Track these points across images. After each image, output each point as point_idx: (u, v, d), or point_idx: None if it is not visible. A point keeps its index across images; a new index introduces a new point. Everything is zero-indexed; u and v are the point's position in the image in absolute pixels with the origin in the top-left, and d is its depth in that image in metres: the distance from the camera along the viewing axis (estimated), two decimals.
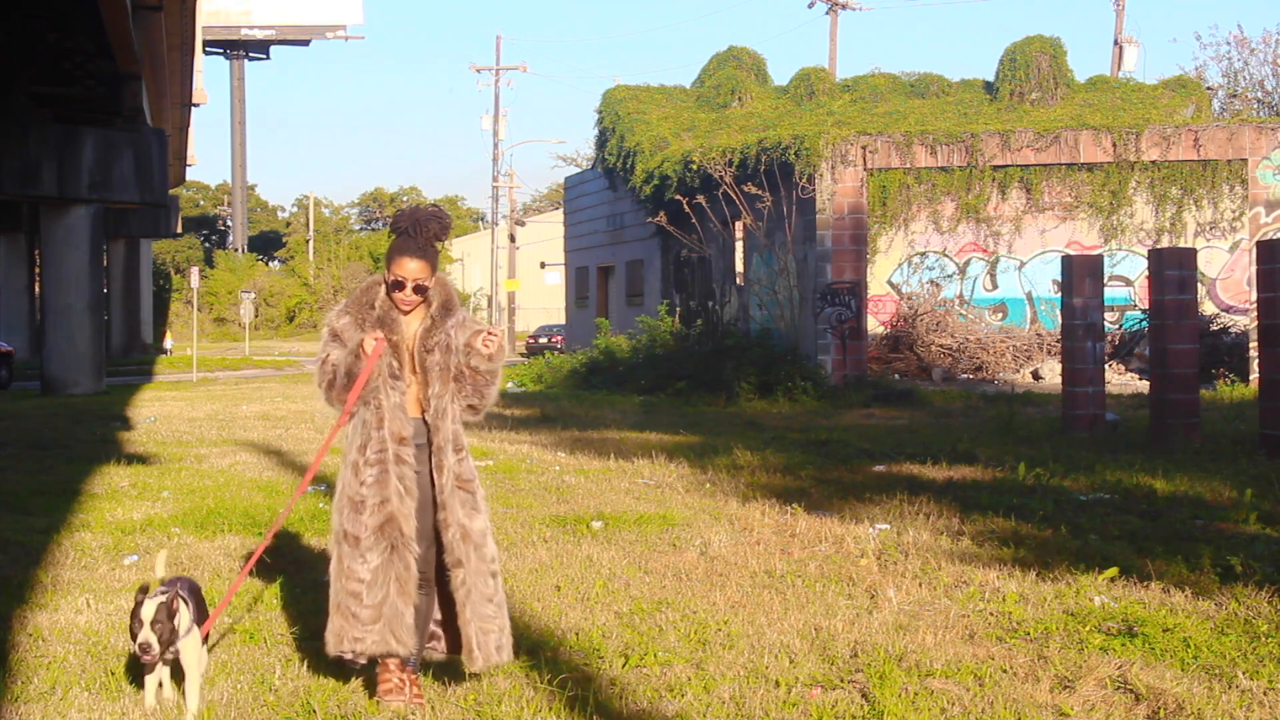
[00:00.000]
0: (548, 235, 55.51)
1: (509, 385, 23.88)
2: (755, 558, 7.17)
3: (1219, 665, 5.00)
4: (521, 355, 42.93)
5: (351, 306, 4.62)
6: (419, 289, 4.57)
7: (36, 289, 38.67)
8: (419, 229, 4.54)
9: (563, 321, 42.14)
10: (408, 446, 4.53)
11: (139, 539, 7.96)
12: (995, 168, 22.65)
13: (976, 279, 23.26)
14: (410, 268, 4.54)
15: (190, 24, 25.86)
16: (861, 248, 21.61)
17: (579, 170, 46.23)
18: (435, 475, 4.58)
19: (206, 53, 52.62)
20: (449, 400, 4.60)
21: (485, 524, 4.65)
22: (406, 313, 4.61)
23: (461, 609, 4.55)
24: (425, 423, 4.61)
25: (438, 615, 4.76)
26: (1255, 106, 35.88)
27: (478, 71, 55.97)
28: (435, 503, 4.59)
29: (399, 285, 4.55)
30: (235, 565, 7.15)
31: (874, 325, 22.75)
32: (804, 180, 21.37)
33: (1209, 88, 33.51)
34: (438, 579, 4.66)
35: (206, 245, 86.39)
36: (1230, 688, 4.72)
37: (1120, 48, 38.45)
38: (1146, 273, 16.60)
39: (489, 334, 4.58)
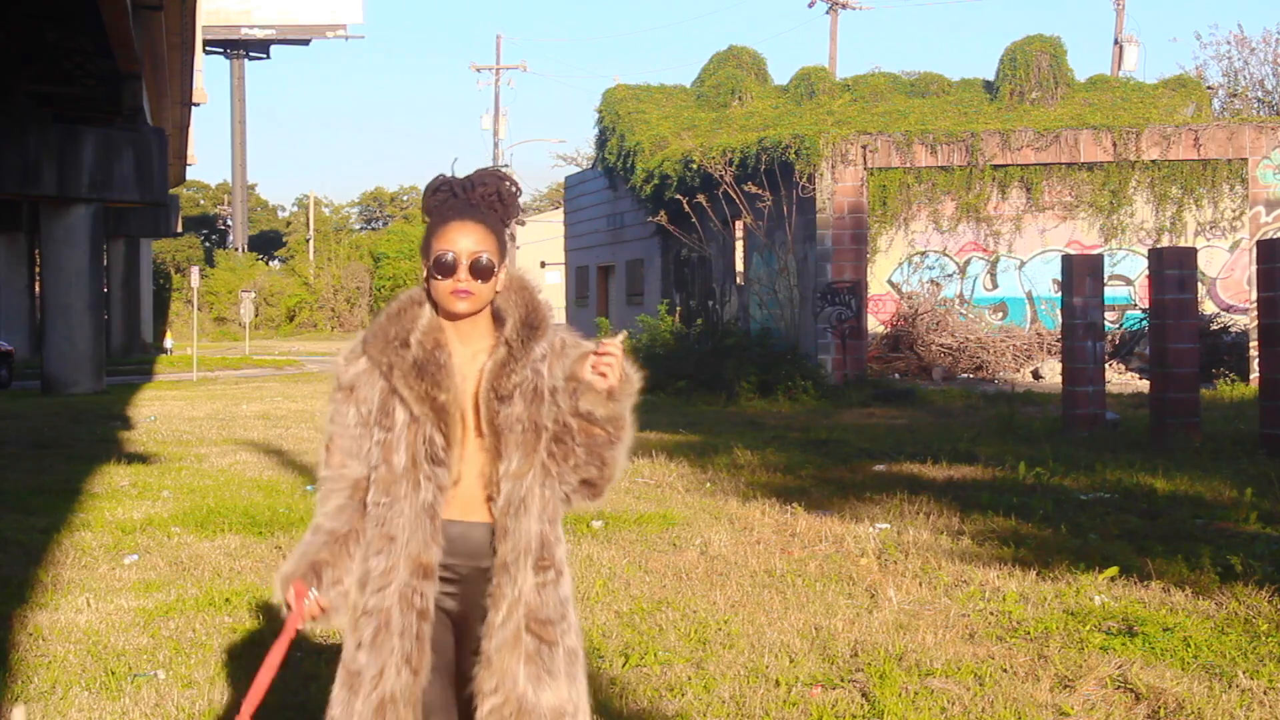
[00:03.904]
0: (548, 235, 55.48)
1: None
2: (755, 557, 7.17)
3: (1219, 664, 5.00)
4: None
5: (373, 342, 2.83)
6: (479, 269, 2.77)
7: (36, 288, 38.68)
8: (468, 188, 2.85)
9: (563, 321, 42.10)
10: (429, 581, 2.77)
11: (139, 538, 7.96)
12: (995, 167, 22.65)
13: (976, 278, 23.26)
14: (462, 243, 2.77)
15: (190, 23, 25.86)
16: (861, 247, 21.61)
17: (579, 170, 46.20)
18: (489, 609, 2.78)
19: (206, 52, 52.62)
20: (535, 482, 2.81)
21: (565, 701, 2.80)
22: (462, 314, 2.80)
23: None
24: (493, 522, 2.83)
25: None
26: (1255, 106, 35.89)
27: (478, 71, 55.99)
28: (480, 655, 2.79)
29: (445, 268, 2.77)
30: (235, 565, 7.15)
31: (874, 325, 22.74)
32: (804, 180, 21.37)
33: (1209, 87, 33.50)
34: None
35: (206, 245, 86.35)
36: (1230, 687, 4.72)
37: (1120, 47, 38.44)
38: (1146, 272, 16.60)
39: (601, 354, 2.80)
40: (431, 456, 2.78)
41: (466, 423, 2.82)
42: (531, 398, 2.81)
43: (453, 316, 2.83)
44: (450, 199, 2.85)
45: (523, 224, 59.86)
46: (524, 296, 2.91)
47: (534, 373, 2.83)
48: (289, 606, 2.81)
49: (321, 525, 2.87)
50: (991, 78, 29.06)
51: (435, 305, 2.84)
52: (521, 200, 2.87)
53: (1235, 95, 36.32)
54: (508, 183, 2.88)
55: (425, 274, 2.83)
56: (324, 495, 2.89)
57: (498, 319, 2.87)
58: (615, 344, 2.82)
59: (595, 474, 2.87)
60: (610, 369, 2.79)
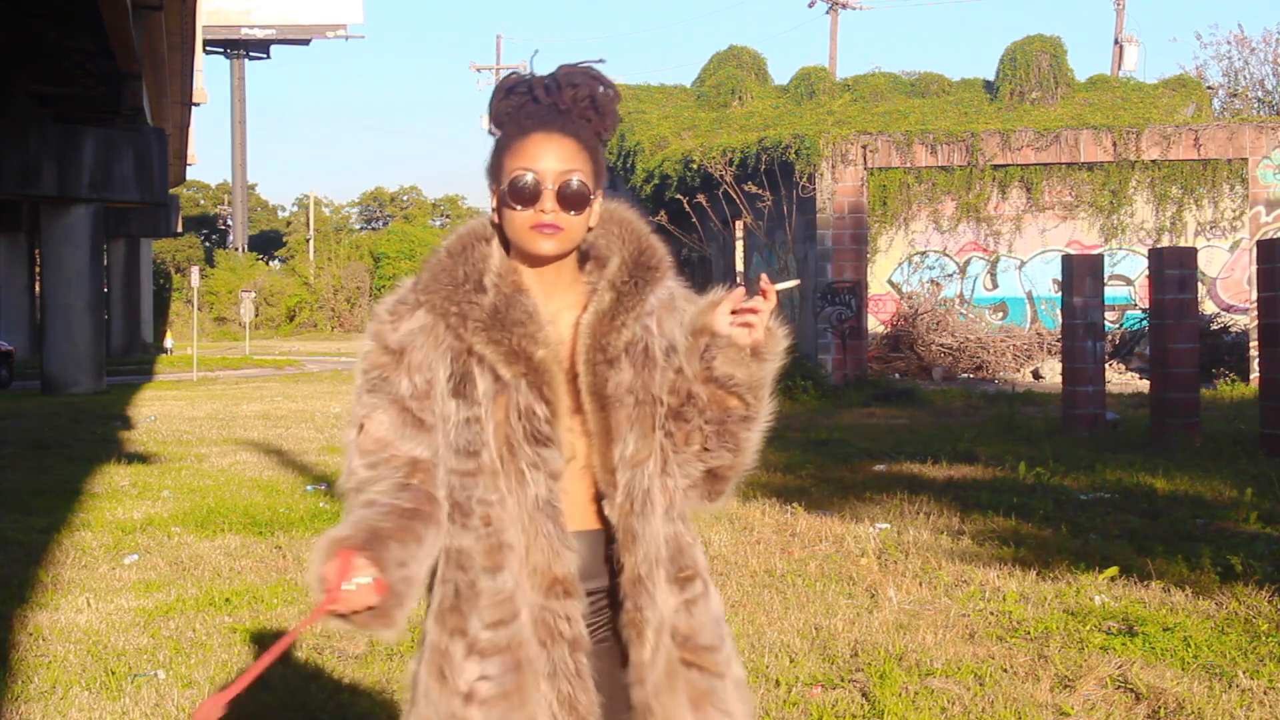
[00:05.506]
0: None
1: None
2: (755, 557, 7.17)
3: (1219, 664, 4.99)
4: None
5: (435, 287, 2.09)
6: (569, 196, 2.06)
7: (36, 289, 38.69)
8: (553, 89, 2.10)
9: None
10: (573, 600, 2.07)
11: (139, 538, 7.96)
12: (995, 167, 22.65)
13: (977, 278, 23.27)
14: (547, 161, 2.06)
15: (190, 23, 25.88)
16: (862, 247, 21.61)
17: None
18: (630, 643, 2.09)
19: (206, 52, 52.64)
20: (657, 468, 2.14)
21: None
22: (548, 256, 2.09)
23: None
24: (607, 525, 2.12)
25: None
26: (1255, 106, 35.89)
27: (478, 71, 55.96)
28: (630, 702, 2.10)
29: (524, 194, 2.05)
30: (235, 565, 7.15)
31: (874, 325, 22.75)
32: (804, 179, 21.37)
33: (1209, 87, 33.51)
34: None
35: (207, 244, 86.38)
36: (1230, 687, 4.72)
37: (1120, 47, 38.44)
38: (1147, 272, 16.60)
39: (742, 309, 2.11)
40: (534, 434, 2.04)
41: (567, 386, 2.10)
42: (643, 362, 2.11)
43: (534, 260, 2.10)
44: (530, 103, 2.10)
45: None
46: (630, 230, 2.18)
47: (644, 329, 2.12)
48: (325, 584, 1.88)
49: (377, 499, 2.02)
50: (991, 78, 29.08)
51: (506, 245, 2.13)
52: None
53: (1235, 95, 36.33)
54: (603, 86, 2.13)
55: (494, 203, 2.12)
56: (365, 480, 2.05)
57: (589, 262, 2.17)
58: (772, 289, 2.08)
59: (727, 461, 2.19)
60: (759, 319, 2.09)
